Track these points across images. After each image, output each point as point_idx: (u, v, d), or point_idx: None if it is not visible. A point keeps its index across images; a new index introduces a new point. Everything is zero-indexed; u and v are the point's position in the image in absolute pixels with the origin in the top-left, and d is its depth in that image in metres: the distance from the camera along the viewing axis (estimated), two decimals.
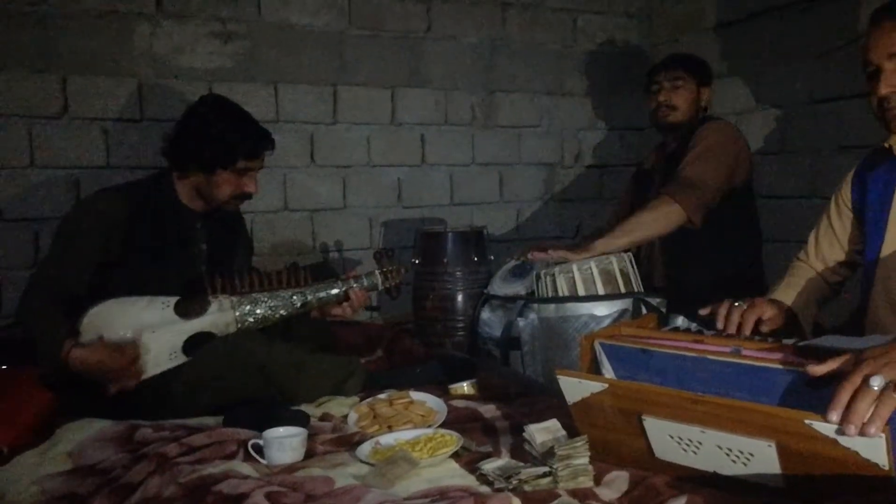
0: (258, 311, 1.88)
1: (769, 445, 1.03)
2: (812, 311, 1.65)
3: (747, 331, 1.41)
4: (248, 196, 2.01)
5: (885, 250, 1.51)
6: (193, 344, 1.80)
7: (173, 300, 1.83)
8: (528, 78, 3.23)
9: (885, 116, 1.47)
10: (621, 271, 2.03)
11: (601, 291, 2.00)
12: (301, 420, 1.57)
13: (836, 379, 1.01)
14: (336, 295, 1.98)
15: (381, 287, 2.07)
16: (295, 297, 1.93)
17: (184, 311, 1.82)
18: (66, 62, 2.45)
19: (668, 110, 2.40)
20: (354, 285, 2.00)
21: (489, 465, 1.26)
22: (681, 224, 2.18)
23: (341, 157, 2.91)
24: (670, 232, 2.20)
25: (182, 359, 1.79)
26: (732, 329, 1.42)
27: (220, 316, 1.84)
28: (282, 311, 1.91)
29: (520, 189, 3.27)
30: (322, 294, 1.97)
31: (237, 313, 1.86)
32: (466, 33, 3.09)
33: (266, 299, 1.90)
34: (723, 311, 1.44)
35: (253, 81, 2.73)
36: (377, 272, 2.07)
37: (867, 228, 1.57)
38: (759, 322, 1.46)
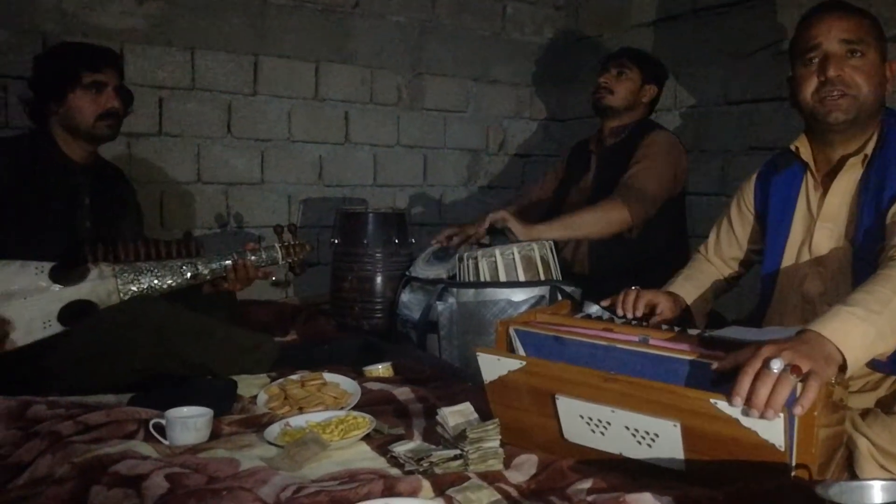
0: (143, 281, 1.78)
1: (674, 426, 1.07)
2: (706, 304, 1.72)
3: (639, 312, 1.48)
4: (115, 113, 1.90)
5: (787, 254, 1.55)
6: (71, 313, 1.69)
7: (48, 265, 1.71)
8: (456, 62, 3.21)
9: (822, 102, 1.44)
10: (542, 258, 2.06)
11: (522, 277, 2.02)
12: (228, 391, 1.52)
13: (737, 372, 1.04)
14: (229, 266, 1.90)
15: (281, 262, 2.00)
16: (185, 267, 1.84)
17: (60, 277, 1.70)
18: None
19: (605, 93, 2.44)
20: (252, 258, 1.94)
21: (401, 448, 1.25)
22: (621, 230, 2.25)
23: (260, 129, 2.81)
24: (608, 235, 2.25)
25: (58, 328, 1.68)
26: (629, 312, 1.48)
27: (101, 284, 1.73)
28: (170, 282, 1.81)
29: (444, 173, 3.26)
30: (215, 265, 1.88)
31: (119, 281, 1.75)
32: (395, 12, 3.05)
33: (153, 268, 1.80)
34: (622, 297, 1.51)
35: (168, 45, 2.60)
36: (277, 246, 2.01)
37: (769, 233, 1.60)
38: (653, 311, 1.53)
